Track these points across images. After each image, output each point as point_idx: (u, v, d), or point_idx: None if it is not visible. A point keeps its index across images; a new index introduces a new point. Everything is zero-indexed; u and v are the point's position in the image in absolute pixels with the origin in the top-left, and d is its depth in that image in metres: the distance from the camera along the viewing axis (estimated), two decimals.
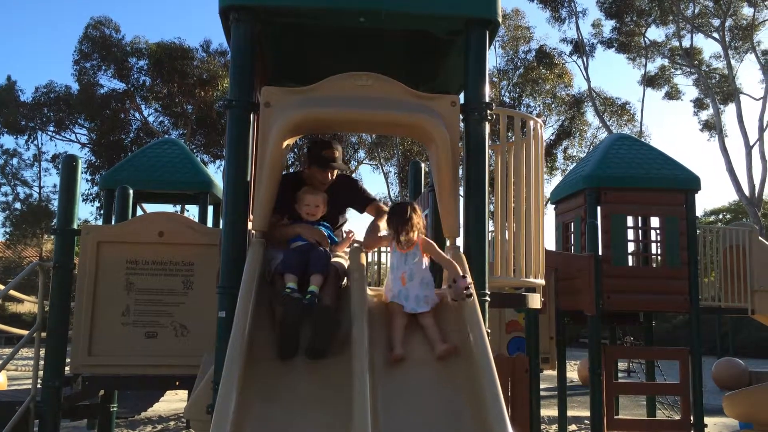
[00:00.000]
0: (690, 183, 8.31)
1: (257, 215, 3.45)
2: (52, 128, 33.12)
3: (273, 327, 3.14)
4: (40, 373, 4.97)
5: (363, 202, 4.18)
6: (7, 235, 36.57)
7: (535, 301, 4.56)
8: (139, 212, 8.98)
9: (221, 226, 3.55)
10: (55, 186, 35.92)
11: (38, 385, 4.92)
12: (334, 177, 4.03)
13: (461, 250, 3.49)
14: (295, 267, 3.32)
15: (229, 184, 3.50)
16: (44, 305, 5.03)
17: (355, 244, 3.72)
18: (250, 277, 3.16)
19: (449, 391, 2.85)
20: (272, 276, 3.41)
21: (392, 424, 2.64)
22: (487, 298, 3.52)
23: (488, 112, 3.66)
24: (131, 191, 6.32)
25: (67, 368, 5.02)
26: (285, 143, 3.44)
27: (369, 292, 3.33)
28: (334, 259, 3.53)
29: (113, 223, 6.41)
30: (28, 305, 29.19)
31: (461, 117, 3.63)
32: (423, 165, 6.58)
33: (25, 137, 34.19)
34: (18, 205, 36.42)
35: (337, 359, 2.99)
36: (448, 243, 3.54)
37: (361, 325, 2.97)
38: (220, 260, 3.43)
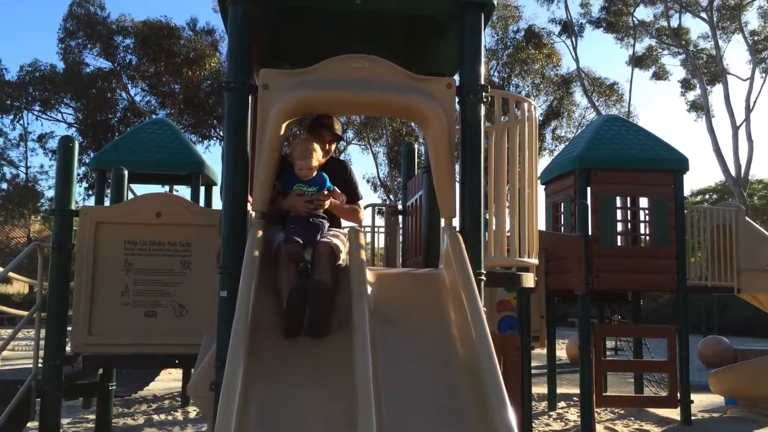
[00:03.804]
0: (678, 164, 8.42)
1: (257, 196, 3.48)
2: (37, 108, 32.79)
3: (275, 306, 3.20)
4: (41, 352, 5.03)
5: (350, 198, 4.12)
6: None
7: (528, 280, 4.64)
8: (129, 194, 8.97)
9: (222, 208, 3.59)
10: (42, 166, 35.66)
11: (39, 364, 4.98)
12: (331, 147, 4.08)
13: (457, 230, 3.57)
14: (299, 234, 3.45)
15: (229, 166, 3.53)
16: (43, 286, 5.07)
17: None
18: (252, 256, 3.21)
19: (449, 370, 2.91)
20: (275, 255, 3.46)
21: (394, 404, 2.70)
22: (483, 277, 3.59)
23: (484, 94, 3.72)
24: (126, 172, 6.34)
25: (67, 348, 5.09)
26: (283, 125, 3.48)
27: (368, 271, 3.40)
28: (330, 239, 3.58)
29: (105, 203, 6.44)
30: (17, 286, 29.08)
31: (457, 99, 3.67)
32: (416, 146, 6.63)
33: (11, 117, 33.80)
34: (4, 186, 36.16)
35: (339, 336, 3.05)
36: (444, 223, 3.61)
37: (361, 303, 3.03)
38: (221, 241, 3.49)
